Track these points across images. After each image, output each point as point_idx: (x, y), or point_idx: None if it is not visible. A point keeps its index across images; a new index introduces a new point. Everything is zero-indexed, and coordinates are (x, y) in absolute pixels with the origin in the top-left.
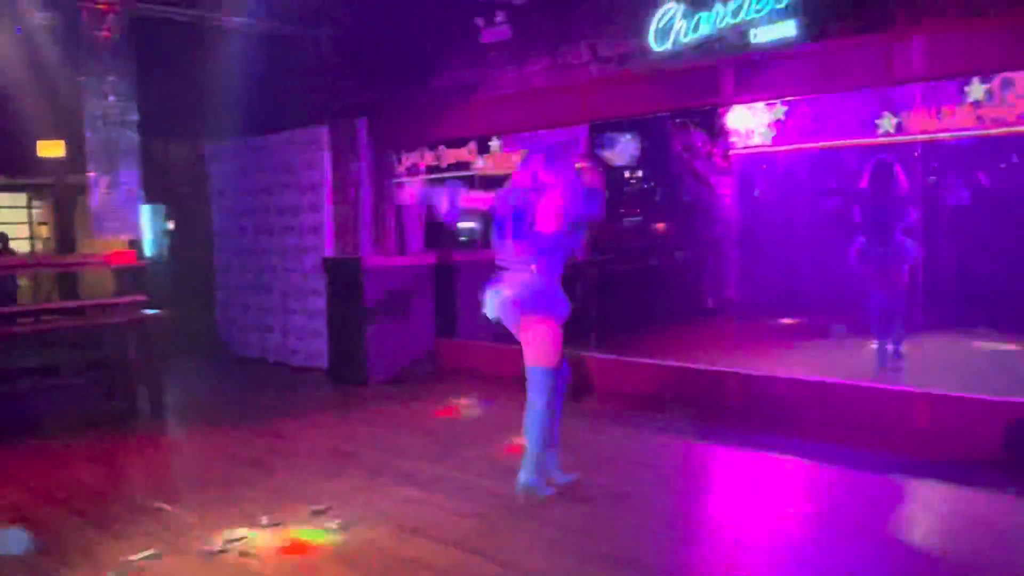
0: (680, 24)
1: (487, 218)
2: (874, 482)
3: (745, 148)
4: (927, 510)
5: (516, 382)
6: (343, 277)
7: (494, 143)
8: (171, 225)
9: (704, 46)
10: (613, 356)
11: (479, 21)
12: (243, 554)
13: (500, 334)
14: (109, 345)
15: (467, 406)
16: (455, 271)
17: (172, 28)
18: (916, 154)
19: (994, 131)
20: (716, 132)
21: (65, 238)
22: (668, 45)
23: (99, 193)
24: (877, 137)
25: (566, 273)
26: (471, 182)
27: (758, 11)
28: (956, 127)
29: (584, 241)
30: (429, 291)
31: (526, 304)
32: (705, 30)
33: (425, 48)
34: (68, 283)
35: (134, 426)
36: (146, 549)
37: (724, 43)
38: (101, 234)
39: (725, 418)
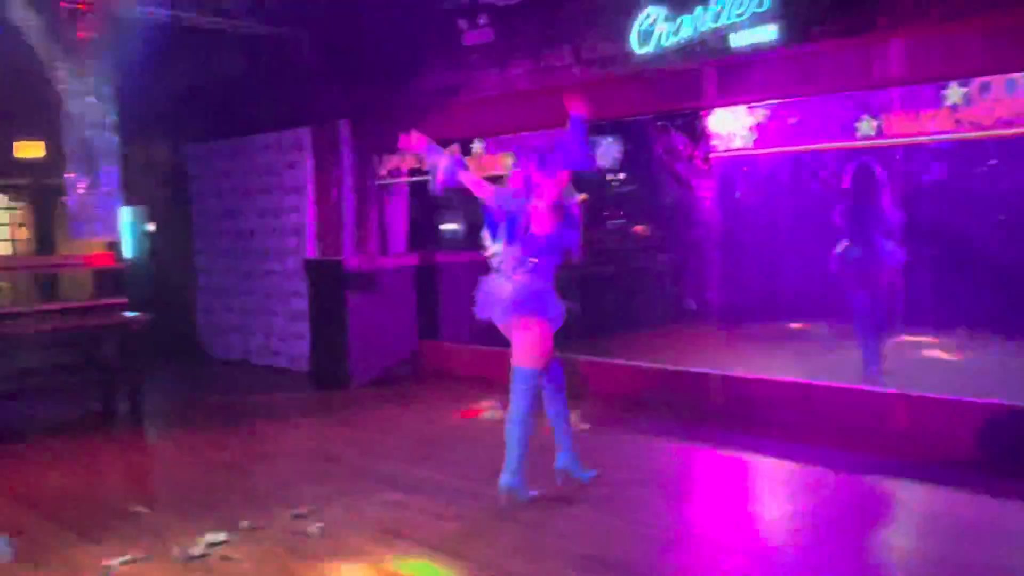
0: (662, 27)
1: (470, 220)
2: (854, 483)
3: (726, 151)
4: (906, 511)
5: (501, 385)
6: (325, 279)
7: (477, 145)
8: (151, 227)
9: (686, 49)
10: (595, 358)
11: (462, 23)
12: (223, 558)
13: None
14: (88, 348)
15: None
16: (438, 272)
17: (152, 29)
18: (898, 157)
19: (972, 135)
20: (698, 135)
21: (44, 240)
22: (650, 48)
23: (78, 194)
24: (857, 140)
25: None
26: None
27: (739, 15)
28: (935, 130)
29: (580, 243)
30: (411, 293)
31: (520, 305)
32: (687, 33)
33: (408, 50)
34: (47, 285)
35: (113, 430)
36: (124, 554)
37: (706, 46)
38: (80, 236)
39: (707, 419)
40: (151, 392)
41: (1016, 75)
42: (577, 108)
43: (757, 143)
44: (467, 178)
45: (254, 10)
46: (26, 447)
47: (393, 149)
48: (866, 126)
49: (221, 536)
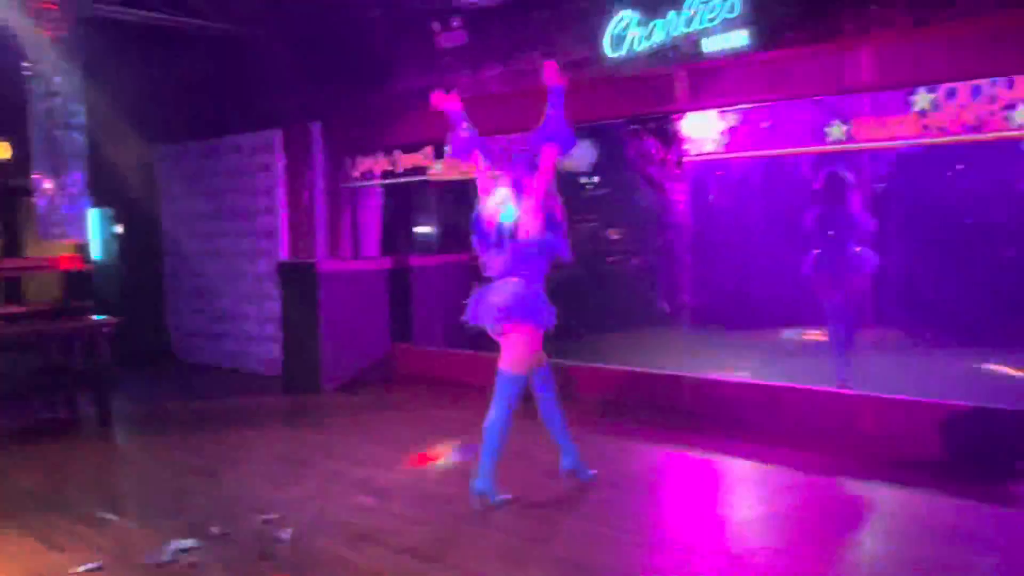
0: (634, 32)
1: (444, 223)
2: (824, 485)
3: (699, 155)
4: (874, 512)
5: (474, 388)
6: (297, 282)
7: (450, 148)
8: (120, 229)
9: (658, 54)
10: (567, 361)
11: (435, 26)
12: (191, 565)
13: (456, 339)
14: (55, 352)
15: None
16: (411, 276)
17: (122, 29)
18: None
19: (940, 140)
20: (670, 139)
21: (11, 242)
22: (623, 52)
23: (45, 196)
24: (827, 145)
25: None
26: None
27: (711, 20)
28: (903, 135)
29: (569, 247)
30: (384, 296)
31: (511, 311)
32: (659, 38)
33: (380, 52)
34: (13, 288)
35: (80, 435)
36: (90, 561)
37: (678, 51)
38: (47, 238)
39: (679, 421)
40: (119, 397)
41: (982, 82)
42: (554, 79)
43: (728, 147)
44: (477, 162)
45: (225, 11)
46: None
47: (366, 151)
48: (836, 131)
49: (189, 542)
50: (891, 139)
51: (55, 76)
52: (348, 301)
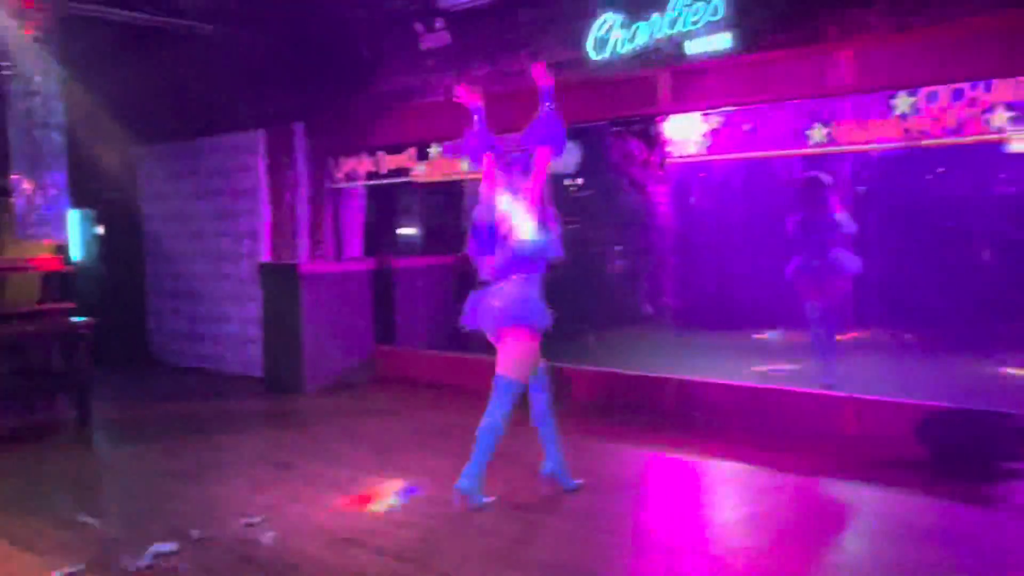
0: (618, 34)
1: (428, 224)
2: (807, 486)
3: (681, 157)
4: (857, 513)
5: (457, 390)
6: (279, 283)
7: (434, 149)
8: (100, 230)
9: (641, 56)
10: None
11: (418, 27)
12: (171, 569)
13: (440, 342)
14: (34, 354)
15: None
16: (394, 277)
17: (103, 28)
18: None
19: (920, 143)
20: (653, 141)
21: None
22: (606, 55)
23: (24, 196)
24: (808, 147)
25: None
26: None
27: (694, 23)
28: (883, 139)
29: (561, 249)
30: (367, 298)
31: (508, 314)
32: (642, 40)
33: (364, 53)
34: None
35: (58, 438)
36: (69, 565)
37: (661, 53)
38: (26, 238)
39: (663, 423)
40: (99, 399)
41: (962, 86)
42: (543, 79)
43: (711, 149)
44: (486, 166)
45: (208, 11)
46: None
47: (350, 152)
48: (817, 134)
49: (169, 546)
50: (872, 142)
51: (35, 75)
52: (331, 303)
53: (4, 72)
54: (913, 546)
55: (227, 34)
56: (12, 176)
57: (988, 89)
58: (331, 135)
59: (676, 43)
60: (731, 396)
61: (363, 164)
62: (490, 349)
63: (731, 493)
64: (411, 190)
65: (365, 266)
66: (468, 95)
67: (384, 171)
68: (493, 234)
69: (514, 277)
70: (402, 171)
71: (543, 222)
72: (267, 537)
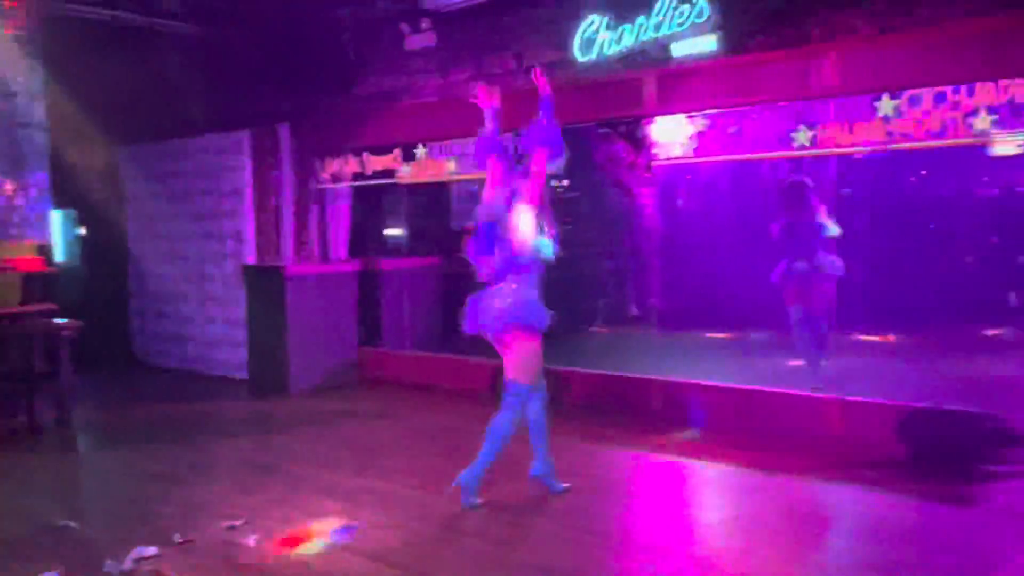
0: (604, 36)
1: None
2: (792, 486)
3: (667, 159)
4: (841, 514)
5: (443, 391)
6: (264, 285)
7: (420, 150)
8: (83, 231)
9: (627, 58)
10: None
11: (404, 28)
12: (153, 573)
13: (426, 343)
14: (15, 356)
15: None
16: (380, 279)
17: (86, 27)
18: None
19: (904, 145)
20: (639, 143)
21: None
22: (592, 56)
23: (5, 196)
24: (793, 150)
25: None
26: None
27: (680, 25)
28: (867, 141)
29: (557, 251)
30: (353, 299)
31: (508, 317)
32: (628, 42)
33: (349, 54)
34: None
35: (41, 441)
36: (49, 569)
37: (647, 55)
38: (8, 239)
39: (648, 424)
40: (82, 401)
41: (945, 88)
42: (543, 86)
43: (697, 151)
44: (491, 168)
45: (193, 10)
46: None
47: (335, 153)
48: (802, 136)
49: (152, 550)
50: (856, 145)
51: (17, 75)
52: (316, 304)
53: None
54: (896, 546)
55: (212, 34)
56: None
57: (971, 93)
58: (317, 136)
59: (662, 45)
60: (717, 397)
61: (349, 165)
62: (476, 351)
63: (717, 494)
64: (397, 191)
65: (350, 267)
66: (487, 96)
67: (370, 172)
68: (492, 235)
69: (512, 278)
70: (388, 172)
71: (540, 224)
72: (250, 540)
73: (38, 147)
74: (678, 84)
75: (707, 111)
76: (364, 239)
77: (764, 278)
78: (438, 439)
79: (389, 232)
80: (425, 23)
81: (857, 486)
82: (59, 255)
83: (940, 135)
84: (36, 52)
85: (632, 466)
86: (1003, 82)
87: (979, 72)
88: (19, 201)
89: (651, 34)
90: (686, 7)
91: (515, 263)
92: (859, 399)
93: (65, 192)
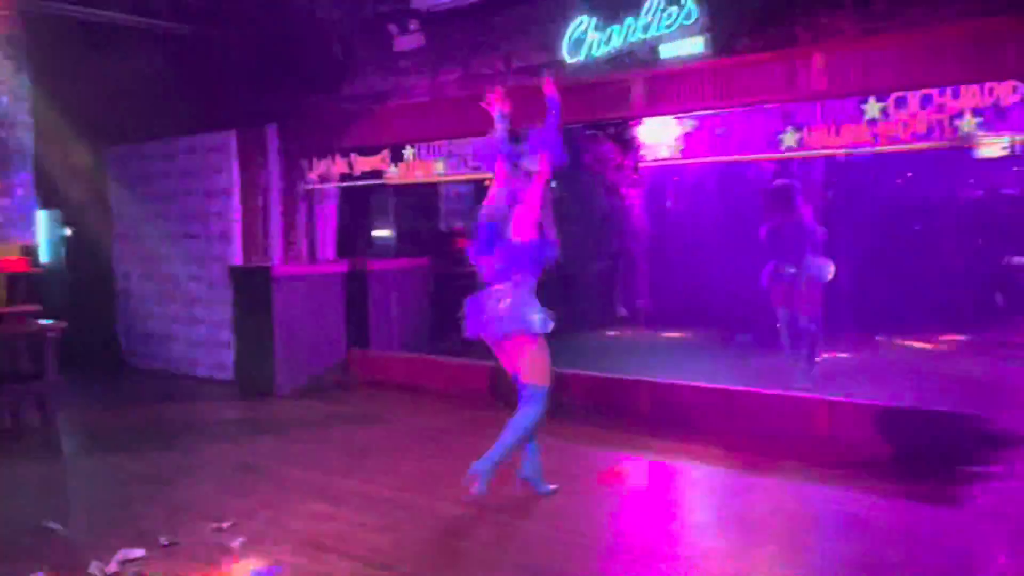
0: (593, 36)
1: (402, 227)
2: (778, 487)
3: (655, 161)
4: (827, 514)
5: (430, 393)
6: (251, 286)
7: (408, 151)
8: (68, 231)
9: (616, 60)
10: None
11: (392, 28)
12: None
13: (413, 344)
14: (0, 357)
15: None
16: (368, 280)
17: (71, 27)
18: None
19: (889, 148)
20: (627, 144)
21: None
22: (581, 58)
23: None
24: (781, 152)
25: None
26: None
27: (668, 27)
28: (853, 143)
29: (556, 251)
30: (340, 300)
31: (509, 324)
32: (617, 44)
33: (337, 54)
34: None
35: (26, 442)
36: (33, 571)
37: (635, 57)
38: None
39: (635, 425)
40: (67, 403)
41: (931, 91)
42: (551, 92)
43: (684, 153)
44: (497, 170)
45: (178, 10)
46: None
47: (323, 154)
48: (789, 138)
49: (138, 552)
50: (843, 147)
51: (1, 74)
52: (303, 305)
53: None
54: (881, 546)
55: (198, 33)
56: None
57: (956, 95)
58: (304, 136)
59: (650, 47)
60: (703, 398)
61: (337, 165)
62: (465, 353)
63: (704, 495)
64: (385, 192)
65: (338, 268)
66: (498, 101)
67: (358, 173)
68: (493, 235)
69: (511, 280)
70: (376, 173)
71: (541, 226)
72: (237, 542)
73: (23, 147)
74: (666, 86)
75: (695, 113)
76: (352, 240)
77: (751, 279)
78: (426, 441)
79: (377, 233)
80: (413, 24)
81: (843, 486)
82: (44, 256)
83: (926, 137)
84: (20, 52)
85: (621, 467)
86: (988, 85)
87: (965, 75)
88: (4, 201)
89: (639, 35)
90: (674, 9)
91: (515, 264)
92: (845, 400)
93: (50, 192)
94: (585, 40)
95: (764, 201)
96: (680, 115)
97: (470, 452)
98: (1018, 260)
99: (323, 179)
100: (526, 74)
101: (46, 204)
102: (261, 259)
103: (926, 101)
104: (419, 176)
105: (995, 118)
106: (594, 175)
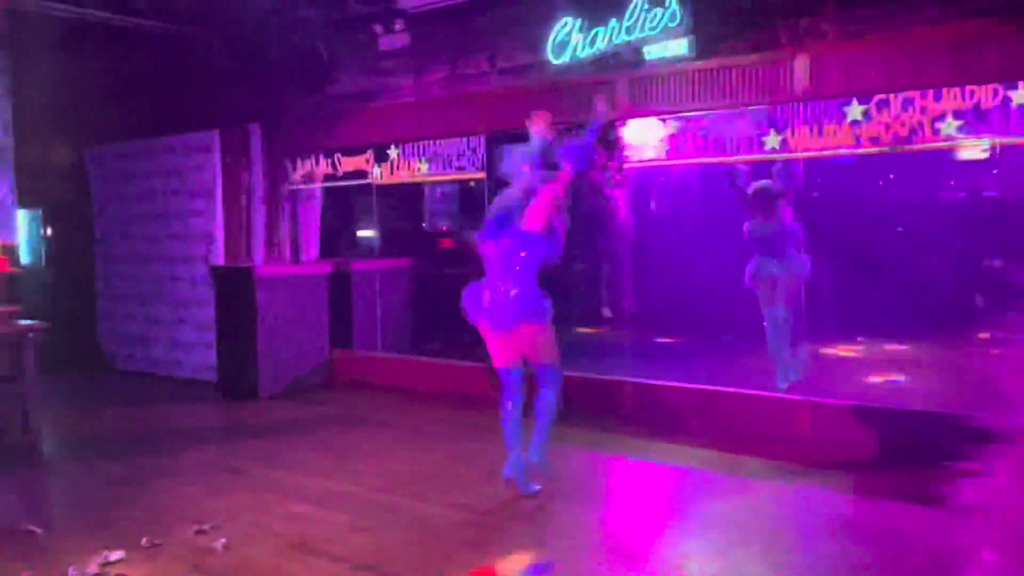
0: (577, 38)
1: (386, 227)
2: (761, 487)
3: (640, 162)
4: (811, 514)
5: (414, 393)
6: (234, 286)
7: (393, 151)
8: (49, 231)
9: (600, 61)
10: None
11: (377, 28)
12: None
13: (397, 345)
14: None
15: None
16: (352, 280)
17: (53, 25)
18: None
19: (873, 150)
20: (612, 145)
21: None
22: (565, 58)
23: None
24: (764, 153)
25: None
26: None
27: (652, 28)
28: (836, 145)
29: (561, 250)
30: (324, 301)
31: (520, 313)
32: (601, 45)
33: (321, 54)
34: None
35: (4, 445)
36: (13, 574)
37: (619, 58)
38: None
39: (620, 426)
40: (47, 405)
41: (912, 94)
42: (601, 112)
43: (669, 154)
44: (518, 173)
45: (161, 9)
46: None
47: (307, 154)
48: (772, 140)
49: (118, 554)
50: (826, 149)
51: None
52: (287, 306)
53: None
54: (865, 546)
55: (181, 33)
56: None
57: (938, 98)
58: (288, 136)
59: (634, 48)
60: (687, 399)
61: (321, 166)
62: (448, 353)
63: (688, 495)
64: (369, 192)
65: (322, 269)
66: (542, 125)
67: (342, 173)
68: (503, 224)
69: (515, 271)
70: (360, 173)
71: (551, 226)
72: (218, 544)
73: (3, 147)
74: (651, 87)
75: (679, 114)
76: (336, 240)
77: (736, 280)
78: (411, 441)
79: (361, 233)
80: (399, 23)
81: (827, 486)
82: (25, 256)
83: (908, 140)
84: (1, 51)
85: (604, 468)
86: (969, 88)
87: (946, 78)
88: None
89: (624, 37)
90: (659, 10)
91: (521, 250)
92: (828, 400)
93: (31, 193)
94: (570, 42)
95: (747, 200)
96: (664, 116)
97: (455, 452)
98: (999, 263)
99: (307, 179)
100: (511, 75)
101: (27, 204)
102: (244, 259)
103: (908, 103)
104: (403, 176)
105: (976, 121)
106: (579, 176)
